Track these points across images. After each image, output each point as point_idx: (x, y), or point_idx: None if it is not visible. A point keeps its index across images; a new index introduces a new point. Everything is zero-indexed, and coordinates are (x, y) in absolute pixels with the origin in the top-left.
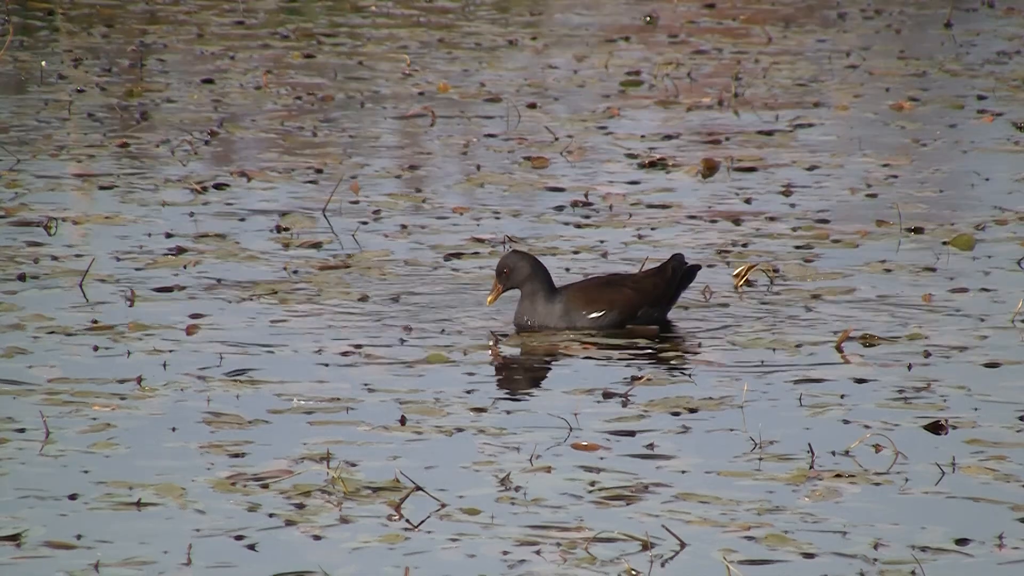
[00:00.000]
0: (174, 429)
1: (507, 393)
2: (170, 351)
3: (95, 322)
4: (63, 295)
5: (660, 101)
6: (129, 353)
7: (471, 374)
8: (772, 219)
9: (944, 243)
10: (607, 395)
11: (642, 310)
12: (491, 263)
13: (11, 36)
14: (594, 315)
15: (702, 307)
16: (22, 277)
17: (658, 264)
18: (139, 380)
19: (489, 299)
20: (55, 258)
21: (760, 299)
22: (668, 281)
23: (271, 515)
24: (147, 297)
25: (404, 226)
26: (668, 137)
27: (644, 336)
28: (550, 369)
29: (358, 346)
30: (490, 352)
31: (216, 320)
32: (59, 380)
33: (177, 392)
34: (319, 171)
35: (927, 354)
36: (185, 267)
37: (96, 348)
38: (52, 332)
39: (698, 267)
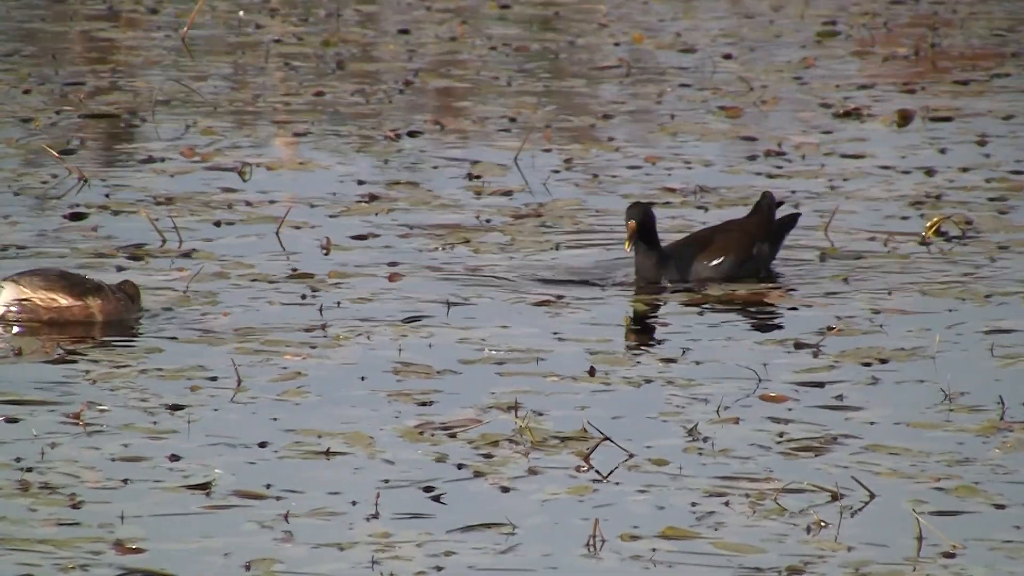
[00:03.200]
0: (363, 378)
1: (697, 343)
2: (364, 299)
3: (295, 270)
4: (260, 242)
5: (856, 51)
6: (330, 306)
7: (663, 324)
8: (966, 170)
9: None
10: (798, 346)
11: (755, 247)
12: (683, 214)
13: None
14: (715, 263)
15: (889, 257)
16: (218, 224)
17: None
18: (324, 328)
19: (627, 245)
20: (249, 204)
21: (950, 250)
22: (766, 217)
23: (459, 466)
24: (342, 245)
25: (595, 175)
26: (863, 87)
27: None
28: (743, 320)
29: (559, 296)
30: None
31: (409, 268)
32: (251, 329)
33: (368, 341)
34: (512, 120)
35: None
36: (377, 214)
37: (304, 297)
38: (255, 280)
39: (799, 215)
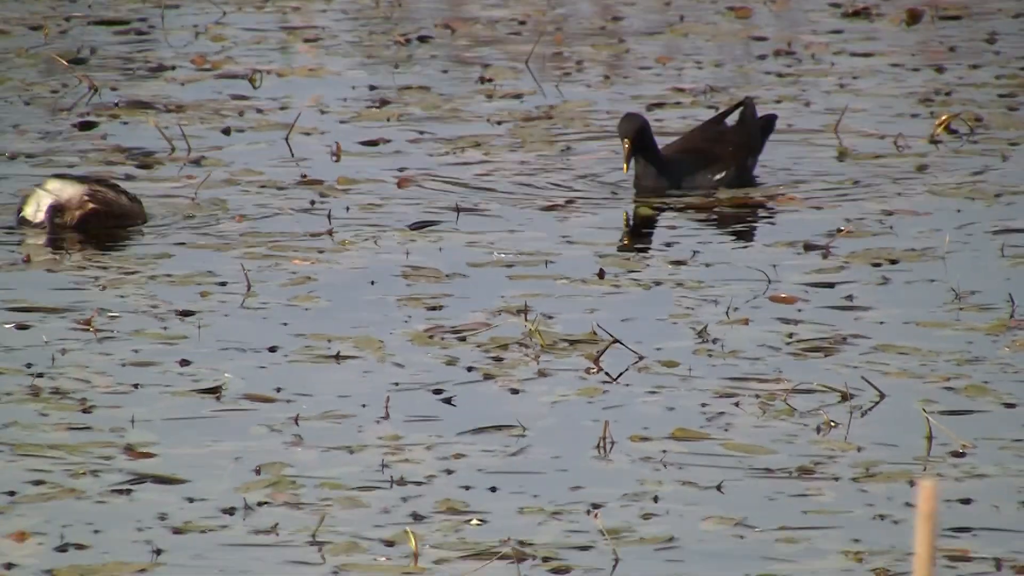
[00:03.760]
0: (373, 283)
1: (707, 245)
2: (373, 204)
3: (304, 176)
4: (269, 149)
5: None
6: (340, 211)
7: (672, 227)
8: (975, 67)
9: None
10: (808, 247)
11: (750, 160)
12: (695, 114)
13: None
14: (718, 176)
15: (899, 157)
16: (227, 131)
17: (725, 109)
18: (330, 233)
19: (625, 167)
20: (259, 111)
21: (959, 148)
22: (751, 127)
23: (469, 368)
24: (352, 151)
25: (606, 76)
26: None
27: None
28: (753, 221)
29: (569, 201)
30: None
31: (420, 173)
32: (260, 234)
33: (377, 246)
34: (522, 23)
35: None
36: (388, 120)
37: (313, 203)
38: (263, 187)
39: (775, 116)
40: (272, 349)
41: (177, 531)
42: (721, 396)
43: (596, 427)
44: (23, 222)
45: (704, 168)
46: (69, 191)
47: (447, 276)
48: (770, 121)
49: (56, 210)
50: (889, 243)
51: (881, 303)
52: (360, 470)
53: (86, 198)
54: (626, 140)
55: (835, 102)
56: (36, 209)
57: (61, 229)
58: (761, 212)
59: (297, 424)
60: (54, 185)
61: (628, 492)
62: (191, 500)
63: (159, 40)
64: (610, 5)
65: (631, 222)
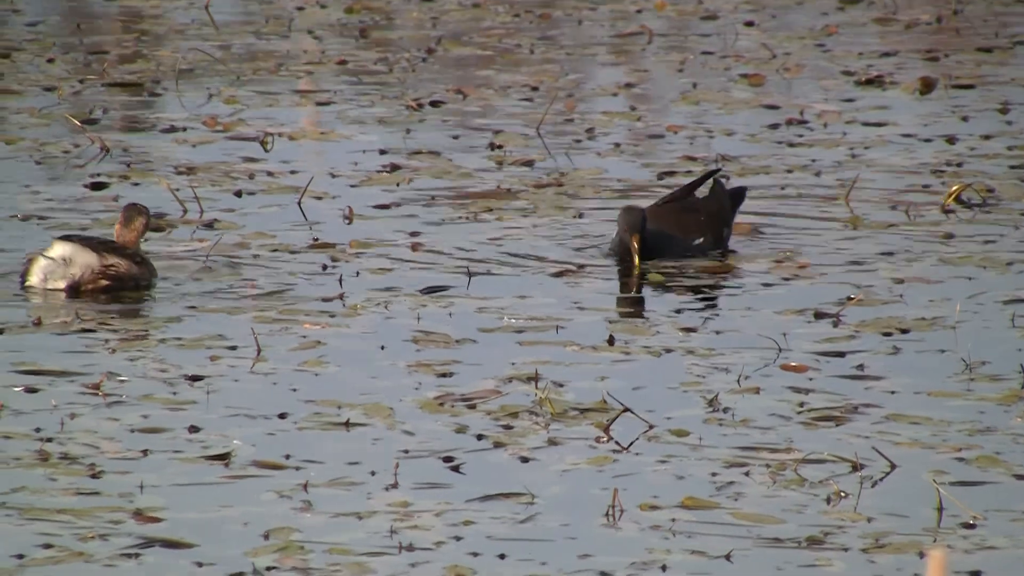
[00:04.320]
0: (383, 348)
1: (717, 313)
2: (384, 268)
3: (316, 240)
4: (281, 212)
5: (878, 18)
6: (351, 275)
7: (682, 295)
8: (987, 137)
9: None
10: (818, 315)
11: (724, 230)
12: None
13: None
14: (697, 242)
15: (910, 226)
16: (239, 193)
17: (694, 180)
18: (341, 297)
19: (638, 263)
20: (271, 174)
21: (970, 217)
22: (724, 200)
23: (479, 436)
24: (364, 214)
25: (617, 144)
26: (886, 55)
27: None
28: (763, 289)
29: (580, 265)
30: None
31: (432, 238)
32: (271, 298)
33: (387, 310)
34: (535, 89)
35: None
36: (399, 184)
37: (324, 267)
38: (275, 250)
39: (745, 188)
40: (282, 415)
41: None
42: (731, 465)
43: (606, 495)
44: (27, 287)
45: (684, 236)
46: (79, 260)
47: (457, 342)
48: (740, 193)
49: (72, 289)
50: (900, 312)
51: (892, 372)
52: (369, 536)
53: (98, 274)
54: (635, 237)
55: (846, 172)
56: (41, 278)
57: (72, 294)
58: (772, 280)
59: (306, 490)
60: (59, 250)
61: (637, 561)
62: (200, 564)
63: (171, 102)
64: (623, 73)
65: (642, 289)
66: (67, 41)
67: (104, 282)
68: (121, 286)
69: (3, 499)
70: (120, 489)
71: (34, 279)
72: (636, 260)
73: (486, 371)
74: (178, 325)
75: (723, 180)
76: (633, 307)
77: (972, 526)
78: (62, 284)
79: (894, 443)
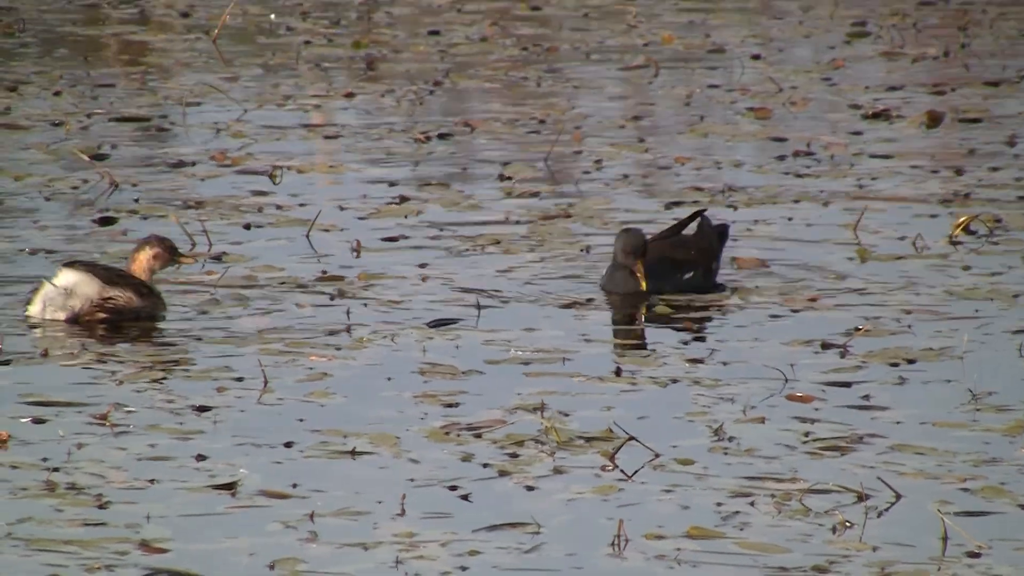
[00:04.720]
0: (389, 379)
1: (724, 343)
2: (392, 301)
3: (324, 273)
4: (290, 245)
5: (885, 52)
6: (358, 307)
7: (689, 325)
8: (995, 169)
9: None
10: (825, 346)
11: (714, 264)
12: (712, 214)
13: None
14: (688, 276)
15: (918, 257)
16: (247, 227)
17: (682, 219)
18: (348, 329)
19: (644, 284)
20: (279, 207)
21: (978, 248)
22: (711, 237)
23: (485, 465)
24: (372, 247)
25: (625, 176)
26: (893, 88)
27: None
28: (770, 320)
29: (588, 299)
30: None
31: (440, 270)
32: (278, 330)
33: (394, 342)
34: (542, 121)
35: None
36: (407, 216)
37: (332, 298)
38: (283, 283)
39: (728, 225)
40: (288, 445)
41: None
42: (737, 495)
43: (611, 525)
44: (27, 316)
45: (676, 271)
46: (80, 291)
47: (463, 373)
48: (724, 230)
49: (71, 321)
50: (907, 343)
51: (898, 403)
52: (374, 567)
53: (96, 306)
54: (639, 261)
55: (854, 203)
56: (40, 307)
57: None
58: (778, 311)
59: (312, 520)
60: (64, 278)
61: None
62: None
63: (180, 136)
64: (630, 105)
65: (649, 320)
66: (74, 75)
67: (101, 315)
68: (120, 318)
69: (10, 529)
70: (127, 519)
71: (34, 308)
72: (643, 284)
73: (492, 401)
74: (185, 356)
75: (708, 218)
76: (640, 339)
77: (977, 555)
78: (62, 316)
79: (899, 473)
